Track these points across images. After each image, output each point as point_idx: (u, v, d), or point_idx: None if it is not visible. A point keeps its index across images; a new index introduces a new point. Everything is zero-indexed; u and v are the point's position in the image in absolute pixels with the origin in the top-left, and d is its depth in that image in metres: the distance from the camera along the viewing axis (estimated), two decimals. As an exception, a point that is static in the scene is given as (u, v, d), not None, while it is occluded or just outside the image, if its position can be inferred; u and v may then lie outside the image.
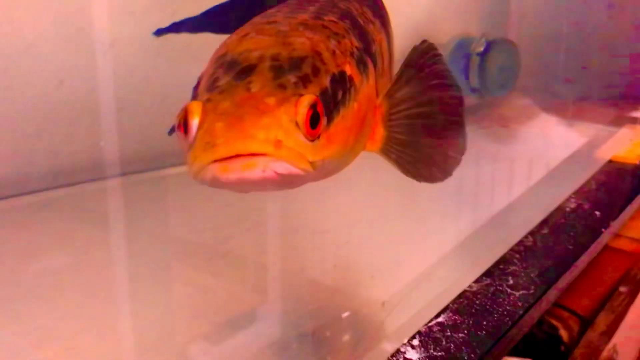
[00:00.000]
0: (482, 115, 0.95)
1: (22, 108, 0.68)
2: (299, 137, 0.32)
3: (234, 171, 0.30)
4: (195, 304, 0.50)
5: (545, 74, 0.94)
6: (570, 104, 0.95)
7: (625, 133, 1.06)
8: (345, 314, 0.49)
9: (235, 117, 0.30)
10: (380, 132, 0.42)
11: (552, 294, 0.58)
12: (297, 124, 0.31)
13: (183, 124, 0.32)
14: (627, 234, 0.94)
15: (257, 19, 0.41)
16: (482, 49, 0.87)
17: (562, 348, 0.64)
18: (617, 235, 0.92)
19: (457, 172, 0.80)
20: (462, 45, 0.90)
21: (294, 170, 0.31)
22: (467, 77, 0.90)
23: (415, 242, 0.64)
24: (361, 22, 0.44)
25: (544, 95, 0.95)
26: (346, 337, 0.48)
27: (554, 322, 0.70)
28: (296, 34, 0.37)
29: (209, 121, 0.31)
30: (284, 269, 0.56)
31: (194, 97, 0.35)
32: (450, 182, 0.78)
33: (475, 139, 0.92)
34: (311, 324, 0.48)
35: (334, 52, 0.37)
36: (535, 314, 0.55)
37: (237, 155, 0.30)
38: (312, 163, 0.32)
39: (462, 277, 0.57)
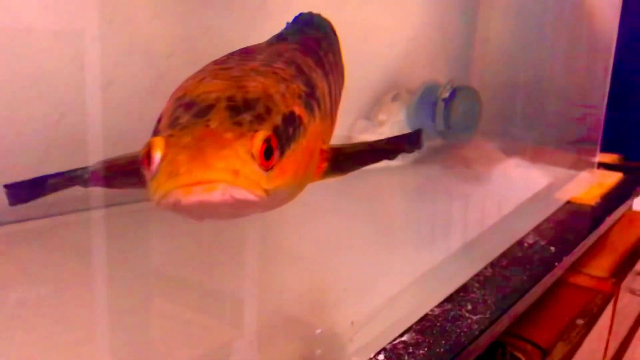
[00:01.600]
0: (446, 157, 1.01)
1: (26, 140, 0.72)
2: (254, 167, 0.34)
3: (196, 194, 0.32)
4: (173, 336, 0.51)
5: (505, 119, 1.01)
6: (529, 147, 1.02)
7: (584, 176, 1.13)
8: (318, 331, 0.54)
9: (196, 150, 0.33)
10: (323, 166, 0.47)
11: (506, 319, 0.64)
12: (252, 156, 0.34)
13: (147, 157, 0.34)
14: (587, 271, 1.00)
15: (209, 66, 0.44)
16: (447, 94, 0.94)
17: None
18: (577, 272, 0.98)
19: (426, 207, 0.86)
20: (430, 91, 0.96)
21: (249, 196, 0.33)
22: (433, 121, 0.96)
23: (384, 269, 0.69)
24: (305, 70, 0.48)
25: (504, 139, 1.02)
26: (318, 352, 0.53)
27: (517, 353, 0.75)
28: (249, 79, 0.40)
29: (172, 154, 0.33)
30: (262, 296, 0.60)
31: (155, 133, 0.37)
32: (418, 214, 0.84)
33: (440, 178, 1.00)
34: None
35: (283, 95, 0.40)
36: (489, 336, 0.60)
37: (198, 183, 0.32)
38: (265, 191, 0.35)
39: (425, 302, 0.63)
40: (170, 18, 0.80)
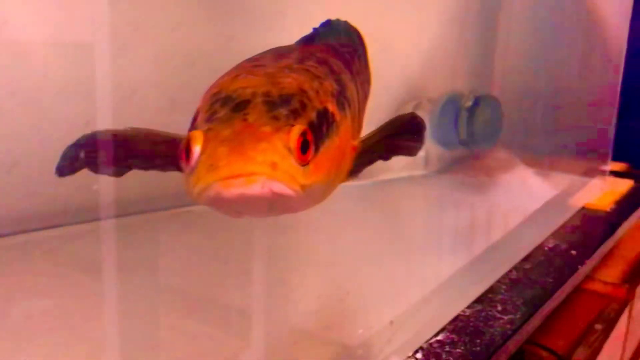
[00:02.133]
0: (469, 166, 1.03)
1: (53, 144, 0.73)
2: (291, 161, 0.34)
3: (236, 187, 0.32)
4: (182, 350, 0.51)
5: (523, 129, 1.03)
6: (546, 156, 1.04)
7: (596, 183, 1.15)
8: (360, 332, 0.55)
9: (235, 143, 0.33)
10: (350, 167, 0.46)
11: (537, 319, 0.65)
12: (289, 150, 0.34)
13: (185, 151, 0.35)
14: (600, 277, 1.01)
15: (243, 63, 0.45)
16: (470, 103, 0.96)
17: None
18: (590, 279, 0.99)
19: (450, 214, 0.88)
20: (452, 100, 0.98)
21: (287, 190, 0.33)
22: (456, 130, 0.98)
23: (413, 273, 0.70)
24: (336, 69, 0.48)
25: (522, 148, 1.04)
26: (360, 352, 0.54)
27: (536, 359, 0.76)
28: (283, 75, 0.40)
29: (212, 147, 0.34)
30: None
31: (193, 128, 0.37)
32: (443, 221, 0.85)
33: (463, 187, 1.01)
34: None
35: (317, 91, 0.40)
36: (521, 335, 0.62)
37: (238, 176, 0.32)
38: (302, 186, 0.35)
39: (456, 304, 0.64)
40: (191, 28, 0.81)
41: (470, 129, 0.96)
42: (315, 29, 0.61)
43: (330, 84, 0.43)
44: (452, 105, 0.97)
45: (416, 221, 0.85)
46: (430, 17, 1.01)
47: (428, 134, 0.95)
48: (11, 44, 0.68)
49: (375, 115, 0.98)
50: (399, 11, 0.92)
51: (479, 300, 0.66)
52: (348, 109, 0.45)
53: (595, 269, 0.99)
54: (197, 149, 0.34)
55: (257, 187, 0.32)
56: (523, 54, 1.02)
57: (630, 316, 1.01)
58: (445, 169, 0.99)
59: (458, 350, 0.55)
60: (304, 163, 0.35)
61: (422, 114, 0.96)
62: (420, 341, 0.56)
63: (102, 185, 0.71)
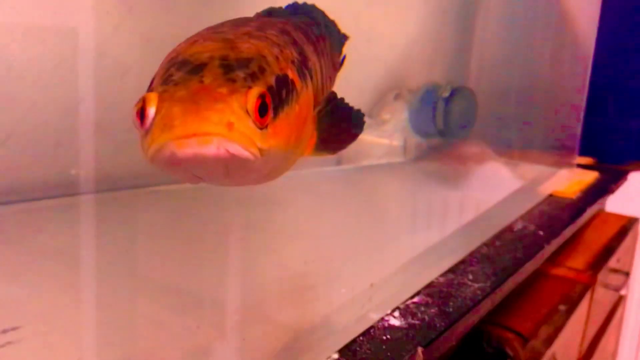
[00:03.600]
0: (444, 155, 1.08)
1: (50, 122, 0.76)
2: (249, 123, 0.34)
3: (191, 146, 0.32)
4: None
5: (496, 120, 1.08)
6: (517, 149, 1.09)
7: (563, 174, 1.21)
8: (343, 291, 0.59)
9: (190, 103, 0.33)
10: (314, 141, 0.47)
11: (505, 288, 0.70)
12: (247, 112, 0.34)
13: (140, 113, 0.34)
14: (566, 264, 1.07)
15: (203, 31, 0.44)
16: (447, 94, 1.00)
17: (508, 361, 0.75)
18: (556, 265, 1.05)
19: (426, 197, 0.93)
20: (430, 91, 1.02)
21: (243, 152, 0.33)
22: (433, 119, 1.02)
23: (393, 246, 0.75)
24: (298, 41, 0.47)
25: (495, 140, 1.09)
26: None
27: (501, 340, 0.81)
28: (242, 41, 0.40)
29: (166, 107, 0.33)
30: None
31: (149, 91, 0.36)
32: (420, 204, 0.90)
33: (438, 173, 1.06)
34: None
35: (277, 58, 0.40)
36: (490, 301, 0.67)
37: (193, 135, 0.32)
38: (260, 150, 0.34)
39: (431, 272, 0.69)
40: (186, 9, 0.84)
41: (447, 119, 1.00)
42: (276, 7, 0.60)
43: (290, 52, 0.43)
44: (430, 96, 1.02)
45: (394, 202, 0.90)
46: (411, 10, 1.06)
47: (407, 123, 1.00)
48: (11, 25, 0.71)
49: (358, 103, 1.02)
50: (380, 7, 0.96)
51: (451, 270, 0.71)
52: (309, 80, 0.45)
53: (561, 257, 1.05)
54: (151, 110, 0.34)
55: (212, 148, 0.32)
56: (498, 49, 1.07)
57: (592, 300, 1.06)
58: (422, 157, 1.04)
59: (432, 310, 0.60)
60: (262, 126, 0.35)
61: (402, 103, 1.01)
62: (397, 302, 0.61)
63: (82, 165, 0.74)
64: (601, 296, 1.15)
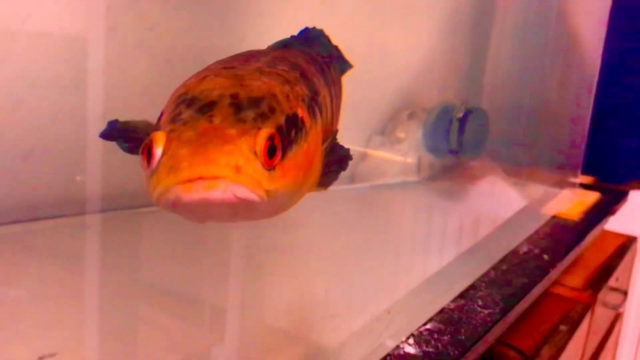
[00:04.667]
0: (456, 174, 1.10)
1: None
2: (257, 165, 0.33)
3: (197, 191, 0.31)
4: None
5: (506, 141, 1.10)
6: (524, 167, 1.11)
7: (566, 195, 1.23)
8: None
9: (198, 144, 0.32)
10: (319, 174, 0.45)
11: (513, 314, 0.72)
12: (255, 154, 0.33)
13: (147, 153, 0.33)
14: (566, 282, 1.09)
15: (213, 65, 0.43)
16: (461, 115, 1.02)
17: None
18: (557, 284, 1.06)
19: (437, 218, 0.94)
20: (445, 111, 1.04)
21: (251, 195, 0.32)
22: (447, 139, 1.04)
23: (404, 270, 0.77)
24: (309, 75, 0.46)
25: (503, 159, 1.11)
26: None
27: (503, 358, 0.83)
28: (253, 78, 0.39)
29: (173, 148, 0.32)
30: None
31: (156, 129, 0.35)
32: (433, 225, 0.92)
33: (450, 193, 1.08)
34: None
35: (287, 96, 0.39)
36: (500, 328, 0.68)
37: (200, 179, 0.31)
38: (267, 191, 0.34)
39: (442, 298, 0.70)
40: (205, 29, 0.85)
41: (460, 139, 1.02)
42: (292, 37, 0.61)
43: (301, 89, 0.42)
44: (444, 116, 1.03)
45: (409, 224, 0.92)
46: (425, 31, 1.07)
47: (421, 142, 1.02)
48: (33, 36, 0.72)
49: (370, 121, 1.04)
50: (396, 25, 0.98)
51: (461, 296, 0.72)
52: (319, 115, 0.44)
53: (561, 275, 1.06)
54: (158, 150, 0.33)
55: (219, 192, 0.31)
56: (509, 70, 1.09)
57: (591, 319, 1.08)
58: (436, 176, 1.06)
59: (445, 337, 0.62)
60: (270, 168, 0.34)
61: (417, 122, 1.02)
62: (412, 329, 0.62)
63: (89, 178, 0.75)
64: (600, 315, 1.17)
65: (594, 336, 1.19)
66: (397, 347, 0.58)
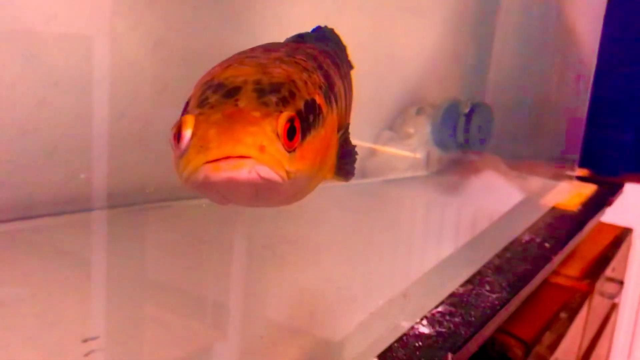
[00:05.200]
0: (463, 168, 1.14)
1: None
2: (279, 146, 0.35)
3: (225, 170, 0.33)
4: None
5: (509, 135, 1.13)
6: (525, 161, 1.15)
7: (564, 186, 1.27)
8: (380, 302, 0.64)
9: (225, 126, 0.34)
10: (334, 163, 0.48)
11: (518, 299, 0.76)
12: (277, 135, 0.35)
13: (177, 136, 0.35)
14: (564, 272, 1.13)
15: (235, 55, 0.45)
16: (467, 110, 1.05)
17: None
18: (556, 274, 1.10)
19: (447, 210, 0.98)
20: (453, 107, 1.07)
21: (273, 175, 0.35)
22: (454, 134, 1.07)
23: (415, 258, 0.80)
24: (324, 66, 0.49)
25: (506, 153, 1.15)
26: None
27: (504, 346, 0.86)
28: (274, 66, 0.41)
29: (202, 130, 0.35)
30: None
31: (184, 114, 0.38)
32: (442, 216, 0.96)
33: (457, 186, 1.11)
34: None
35: (306, 83, 0.41)
36: (507, 311, 0.72)
37: (227, 158, 0.33)
38: (288, 172, 0.36)
39: (451, 283, 0.74)
40: (222, 28, 0.88)
41: (467, 134, 1.05)
42: (306, 32, 0.63)
43: (318, 78, 0.44)
44: (452, 111, 1.07)
45: (421, 215, 0.96)
46: (429, 31, 1.10)
47: (430, 137, 1.05)
48: (58, 37, 0.74)
49: (378, 116, 1.07)
50: (403, 23, 1.01)
51: (470, 281, 0.76)
52: (335, 104, 0.47)
53: (560, 265, 1.10)
54: (187, 132, 0.35)
55: (244, 172, 0.34)
56: (513, 65, 1.12)
57: (589, 308, 1.12)
58: (443, 171, 1.09)
59: (456, 319, 0.65)
60: (291, 149, 0.37)
61: (425, 118, 1.06)
62: (425, 311, 0.66)
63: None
64: (597, 304, 1.21)
65: (592, 324, 1.22)
66: (412, 327, 0.62)
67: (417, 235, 0.86)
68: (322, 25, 0.65)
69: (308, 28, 0.65)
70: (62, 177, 0.77)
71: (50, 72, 0.74)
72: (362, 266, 0.73)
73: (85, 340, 0.47)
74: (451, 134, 1.06)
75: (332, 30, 0.65)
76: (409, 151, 1.03)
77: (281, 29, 0.73)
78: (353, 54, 0.64)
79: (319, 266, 0.70)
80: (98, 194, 0.79)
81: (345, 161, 0.49)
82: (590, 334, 1.23)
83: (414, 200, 1.00)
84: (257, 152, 0.34)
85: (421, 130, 1.04)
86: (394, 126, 1.06)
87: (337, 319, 0.61)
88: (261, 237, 0.67)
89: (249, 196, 0.37)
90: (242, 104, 0.36)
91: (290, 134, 0.36)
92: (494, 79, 1.10)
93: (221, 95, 0.37)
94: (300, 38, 0.58)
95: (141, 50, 0.80)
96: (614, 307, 1.45)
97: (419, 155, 1.05)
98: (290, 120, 0.36)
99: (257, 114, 0.35)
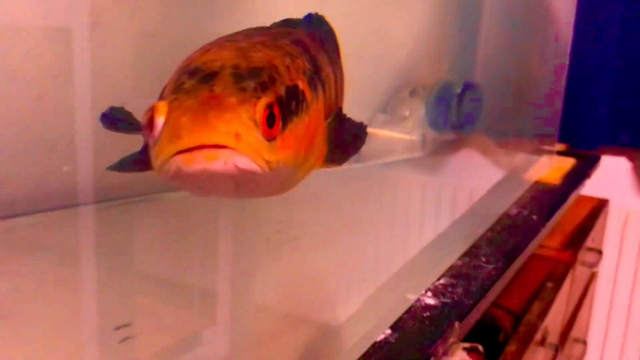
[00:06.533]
0: (455, 148, 1.17)
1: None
2: (257, 134, 0.33)
3: (198, 161, 0.31)
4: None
5: (497, 114, 1.17)
6: (510, 139, 1.19)
7: (545, 161, 1.31)
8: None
9: (199, 113, 0.32)
10: (324, 151, 0.45)
11: (513, 269, 0.79)
12: (255, 122, 0.33)
13: (149, 123, 0.33)
14: (546, 244, 1.17)
15: (217, 40, 0.43)
16: (459, 90, 1.08)
17: (501, 336, 0.83)
18: (539, 246, 1.14)
19: (442, 186, 1.01)
20: (446, 87, 1.09)
21: (252, 165, 0.32)
22: (446, 115, 1.09)
23: (411, 231, 0.83)
24: (312, 51, 0.46)
25: (493, 132, 1.18)
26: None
27: (494, 316, 0.90)
28: (255, 50, 0.39)
29: (174, 116, 0.32)
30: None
31: (160, 99, 0.36)
32: (435, 192, 0.99)
33: (453, 165, 1.14)
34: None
35: (288, 68, 0.39)
36: (503, 280, 0.75)
37: (201, 147, 0.31)
38: (268, 162, 0.34)
39: (449, 256, 0.77)
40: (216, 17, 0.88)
41: (459, 114, 1.08)
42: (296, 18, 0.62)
43: (302, 62, 0.42)
44: (445, 92, 1.09)
45: (411, 193, 0.98)
46: (417, 12, 1.12)
47: (424, 119, 1.08)
48: (55, 30, 0.74)
49: (371, 99, 1.09)
50: (391, 4, 1.02)
51: (466, 254, 0.79)
52: (322, 91, 0.45)
53: (544, 236, 1.14)
54: (160, 119, 0.33)
55: (220, 163, 0.31)
56: (498, 46, 1.14)
57: (573, 277, 1.16)
58: (438, 151, 1.12)
59: (458, 290, 0.68)
60: (270, 138, 0.34)
61: (418, 100, 1.08)
62: (428, 284, 0.69)
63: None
64: (579, 273, 1.26)
65: (575, 294, 1.27)
66: (418, 299, 0.65)
67: (416, 214, 0.89)
68: (313, 11, 0.66)
69: (300, 14, 0.67)
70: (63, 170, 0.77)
71: (51, 66, 0.74)
72: (368, 247, 0.75)
73: (117, 328, 0.49)
74: (445, 115, 1.08)
75: (322, 17, 0.64)
76: (406, 133, 1.05)
77: (277, 14, 0.75)
78: (342, 37, 0.64)
79: (328, 249, 0.72)
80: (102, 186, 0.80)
81: (342, 146, 0.47)
82: (573, 302, 1.28)
83: (412, 181, 1.03)
84: (232, 140, 0.32)
85: (416, 112, 1.06)
86: (387, 108, 1.07)
87: (350, 294, 0.64)
88: (272, 221, 0.68)
89: (227, 188, 0.36)
90: (218, 89, 0.34)
91: (270, 121, 0.34)
92: (482, 58, 1.12)
93: (197, 81, 0.35)
94: (287, 22, 0.56)
95: (138, 40, 0.81)
96: (592, 276, 1.50)
97: (415, 137, 1.07)
98: (270, 107, 0.35)
99: (233, 99, 0.33)
